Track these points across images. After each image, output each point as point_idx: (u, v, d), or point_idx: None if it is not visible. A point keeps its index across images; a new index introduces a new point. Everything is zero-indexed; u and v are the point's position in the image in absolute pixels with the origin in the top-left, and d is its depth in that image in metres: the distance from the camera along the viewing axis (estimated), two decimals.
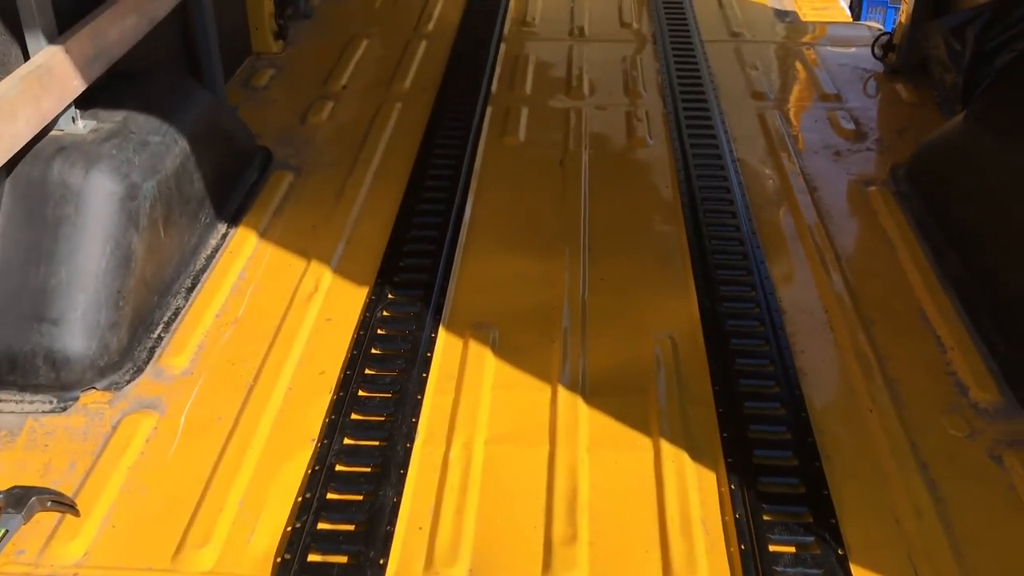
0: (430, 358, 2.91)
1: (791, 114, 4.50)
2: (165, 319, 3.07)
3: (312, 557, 2.27)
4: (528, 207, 3.76)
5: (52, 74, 2.91)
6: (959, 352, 2.96)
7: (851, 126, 4.33)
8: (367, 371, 2.85)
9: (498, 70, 4.93)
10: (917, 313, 3.15)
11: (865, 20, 7.39)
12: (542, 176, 3.98)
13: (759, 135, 4.29)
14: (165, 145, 3.19)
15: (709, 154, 4.07)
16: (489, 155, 4.14)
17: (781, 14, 5.65)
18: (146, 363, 2.89)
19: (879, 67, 4.91)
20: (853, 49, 5.15)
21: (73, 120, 3.04)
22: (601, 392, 2.79)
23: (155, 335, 3.00)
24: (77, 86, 3.04)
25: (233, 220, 3.59)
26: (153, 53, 3.81)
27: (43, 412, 2.71)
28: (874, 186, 3.86)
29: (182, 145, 3.28)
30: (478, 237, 3.56)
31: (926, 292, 3.23)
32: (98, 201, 2.86)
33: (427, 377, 2.84)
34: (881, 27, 5.40)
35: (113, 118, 3.13)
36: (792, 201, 3.77)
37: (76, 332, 2.76)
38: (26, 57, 2.92)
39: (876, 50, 4.92)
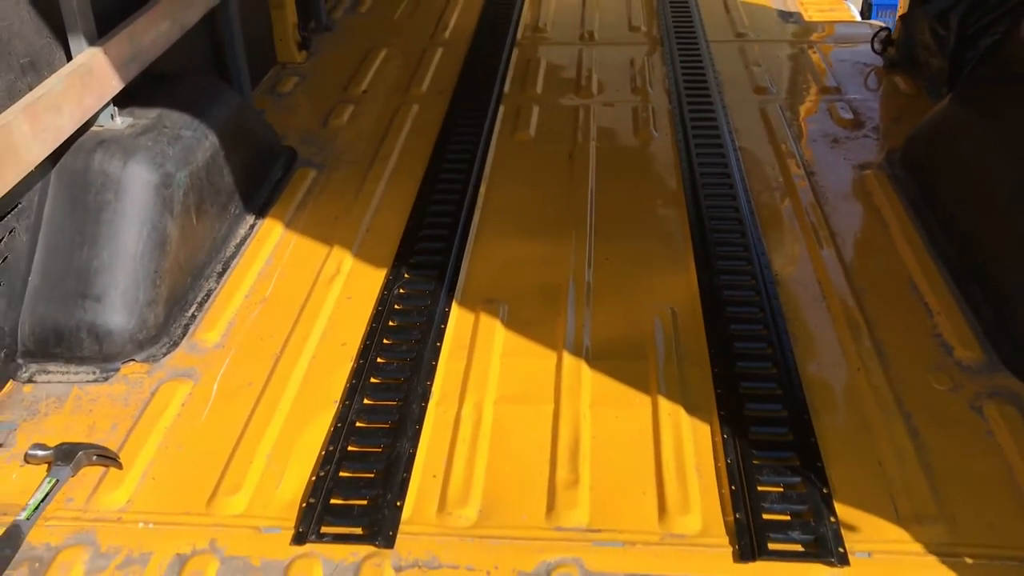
0: (444, 330, 3.11)
1: (792, 106, 4.67)
2: (198, 299, 3.29)
3: (334, 500, 2.47)
4: (538, 196, 3.94)
5: (92, 74, 3.16)
6: (946, 317, 3.10)
7: (849, 116, 4.50)
8: (385, 341, 3.05)
9: (511, 72, 5.15)
10: (907, 283, 3.30)
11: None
12: (551, 168, 4.18)
13: (760, 126, 4.46)
14: (196, 139, 3.43)
15: (711, 144, 4.24)
16: (501, 150, 4.34)
17: (785, 15, 5.84)
18: (181, 338, 3.11)
19: (879, 62, 5.07)
20: (855, 46, 5.32)
21: (112, 117, 3.28)
22: (603, 357, 2.97)
23: (189, 313, 3.22)
24: (115, 85, 3.28)
25: (260, 212, 3.82)
26: (185, 59, 4.07)
27: (87, 381, 2.94)
28: (870, 170, 4.02)
29: (212, 140, 3.52)
30: (490, 223, 3.75)
31: (916, 265, 3.38)
32: (136, 188, 3.10)
33: (441, 346, 3.04)
34: (882, 24, 5.56)
35: (148, 115, 3.37)
36: (790, 184, 3.94)
37: (117, 308, 2.99)
38: (69, 58, 3.17)
39: (876, 45, 5.08)
